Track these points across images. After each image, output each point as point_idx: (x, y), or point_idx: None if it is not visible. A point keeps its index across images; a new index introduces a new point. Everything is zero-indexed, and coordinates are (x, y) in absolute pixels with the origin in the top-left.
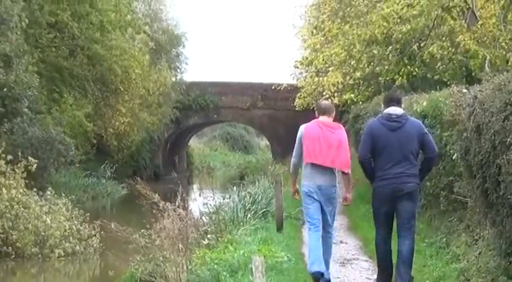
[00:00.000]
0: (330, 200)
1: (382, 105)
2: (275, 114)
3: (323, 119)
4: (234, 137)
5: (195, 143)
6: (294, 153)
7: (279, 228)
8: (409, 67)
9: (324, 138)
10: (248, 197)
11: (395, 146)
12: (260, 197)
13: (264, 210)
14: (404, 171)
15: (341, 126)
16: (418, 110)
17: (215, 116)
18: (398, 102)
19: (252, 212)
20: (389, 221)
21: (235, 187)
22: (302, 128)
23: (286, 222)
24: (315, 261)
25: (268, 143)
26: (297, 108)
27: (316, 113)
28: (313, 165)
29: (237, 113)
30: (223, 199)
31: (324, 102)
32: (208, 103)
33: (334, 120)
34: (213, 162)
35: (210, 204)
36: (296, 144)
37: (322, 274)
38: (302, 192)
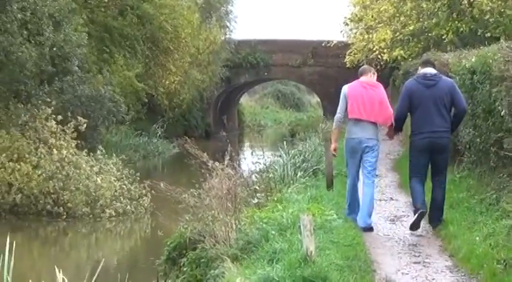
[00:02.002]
0: (372, 151)
1: (419, 68)
2: (326, 72)
3: (364, 78)
4: (284, 95)
5: (246, 101)
6: (338, 110)
7: (329, 186)
8: (457, 23)
9: (367, 96)
10: (298, 155)
11: (430, 101)
12: (310, 154)
13: (315, 168)
14: (438, 125)
15: (380, 84)
16: (466, 65)
17: (265, 73)
18: (432, 65)
19: (302, 170)
20: (425, 170)
21: (285, 145)
22: (346, 87)
23: (336, 180)
24: (349, 203)
25: (319, 100)
26: (347, 65)
27: (359, 74)
28: (357, 120)
29: (288, 70)
30: (273, 157)
31: (365, 66)
32: (259, 61)
33: (380, 78)
34: (264, 120)
35: (260, 163)
36: (340, 102)
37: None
38: (345, 146)
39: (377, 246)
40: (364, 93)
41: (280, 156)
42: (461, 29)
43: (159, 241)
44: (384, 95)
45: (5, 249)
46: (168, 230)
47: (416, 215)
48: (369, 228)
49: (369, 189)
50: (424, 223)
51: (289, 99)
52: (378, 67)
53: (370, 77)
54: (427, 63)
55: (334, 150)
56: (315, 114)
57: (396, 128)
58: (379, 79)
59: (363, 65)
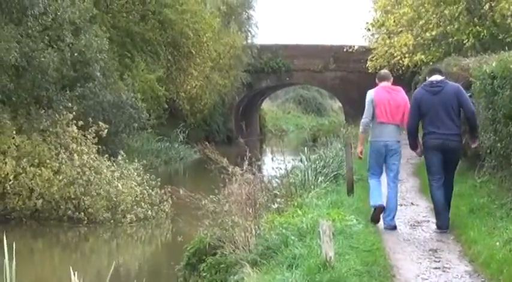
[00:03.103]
0: (396, 154)
1: (426, 77)
2: (347, 76)
3: (385, 84)
4: (306, 100)
5: (267, 106)
6: (365, 115)
7: (350, 191)
8: (478, 27)
9: (392, 100)
10: (319, 160)
11: (438, 106)
12: (331, 160)
13: (336, 173)
14: (447, 128)
15: (401, 88)
16: (487, 70)
17: (287, 78)
18: (440, 72)
19: (323, 175)
20: (440, 169)
21: (306, 150)
22: (372, 92)
23: (357, 185)
24: (376, 198)
25: (340, 105)
26: (369, 70)
27: (377, 80)
28: (382, 123)
29: (309, 75)
30: (295, 162)
31: (384, 71)
32: (280, 66)
33: (401, 83)
34: (285, 125)
35: (281, 168)
36: (366, 107)
37: (383, 207)
38: (370, 148)
39: (397, 251)
40: (390, 97)
41: (301, 161)
42: (482, 34)
43: (179, 246)
44: (406, 99)
45: (13, 254)
46: (188, 235)
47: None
48: (393, 227)
49: (393, 192)
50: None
51: (311, 104)
52: (400, 72)
53: (389, 83)
54: (433, 71)
55: (361, 152)
56: (337, 119)
57: (411, 138)
58: (400, 84)
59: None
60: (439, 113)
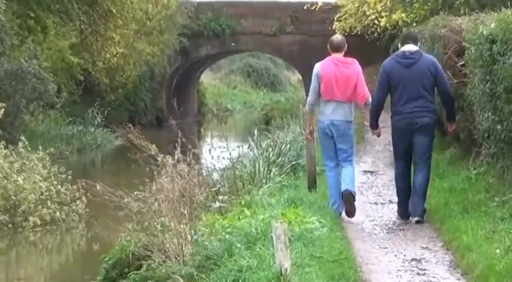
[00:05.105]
0: (345, 137)
1: (399, 45)
2: (309, 41)
3: (336, 55)
4: (257, 71)
5: (208, 79)
6: (310, 92)
7: (311, 186)
8: None
9: (340, 74)
10: (273, 147)
11: (410, 81)
12: (288, 147)
13: (294, 163)
14: (418, 105)
15: (354, 60)
16: (484, 33)
17: (233, 44)
18: (414, 40)
19: (278, 166)
20: (407, 155)
21: (257, 134)
22: (318, 66)
23: (320, 179)
24: (335, 195)
25: (300, 77)
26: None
27: (329, 49)
28: (329, 101)
29: (261, 40)
30: (241, 150)
31: (336, 39)
32: (224, 28)
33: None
34: (230, 103)
35: (224, 157)
36: (312, 82)
37: (350, 191)
38: (318, 129)
39: (370, 261)
40: (337, 71)
41: (250, 148)
42: None
43: (95, 257)
44: (359, 72)
45: None
46: (107, 242)
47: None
48: (350, 193)
49: (348, 170)
50: (430, 231)
51: (263, 76)
52: (375, 36)
53: (342, 54)
54: (407, 39)
55: (310, 133)
56: (295, 95)
57: (373, 115)
58: (376, 51)
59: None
60: (409, 89)
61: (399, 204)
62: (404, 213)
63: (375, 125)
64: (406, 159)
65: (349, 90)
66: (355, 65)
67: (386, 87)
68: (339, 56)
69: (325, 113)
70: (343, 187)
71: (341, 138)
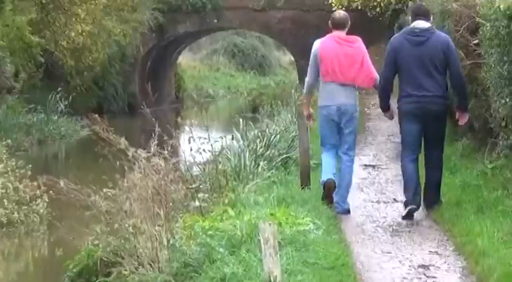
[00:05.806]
0: (351, 120)
1: (409, 19)
2: (302, 17)
3: (338, 33)
4: (243, 51)
5: (187, 61)
6: (308, 72)
7: (304, 182)
8: None
9: (344, 54)
10: (261, 138)
11: (419, 62)
12: (279, 137)
13: (285, 156)
14: (429, 88)
15: (358, 38)
16: (501, 7)
17: (215, 21)
18: (425, 15)
19: (266, 160)
20: (418, 141)
21: (243, 124)
22: (317, 44)
23: (314, 174)
24: (327, 174)
25: (292, 58)
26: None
27: (330, 25)
28: (332, 83)
29: (247, 15)
30: (225, 141)
31: (339, 14)
32: (205, 2)
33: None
34: (213, 88)
35: (205, 150)
36: (311, 62)
37: (334, 182)
38: (320, 114)
39: (372, 268)
40: (340, 50)
41: (234, 139)
42: None
43: (58, 263)
44: (364, 51)
45: None
46: (72, 247)
47: (406, 211)
48: (347, 211)
49: (347, 168)
50: (439, 234)
51: (249, 57)
52: (377, 11)
53: (344, 31)
54: (418, 14)
55: (309, 118)
56: (287, 78)
57: (383, 96)
58: (379, 28)
59: (356, 7)
60: (420, 70)
61: (405, 189)
62: (413, 198)
63: (386, 107)
64: (416, 146)
65: (353, 71)
66: (359, 44)
67: (393, 67)
68: (342, 33)
69: (329, 98)
70: (339, 206)
71: (349, 122)
